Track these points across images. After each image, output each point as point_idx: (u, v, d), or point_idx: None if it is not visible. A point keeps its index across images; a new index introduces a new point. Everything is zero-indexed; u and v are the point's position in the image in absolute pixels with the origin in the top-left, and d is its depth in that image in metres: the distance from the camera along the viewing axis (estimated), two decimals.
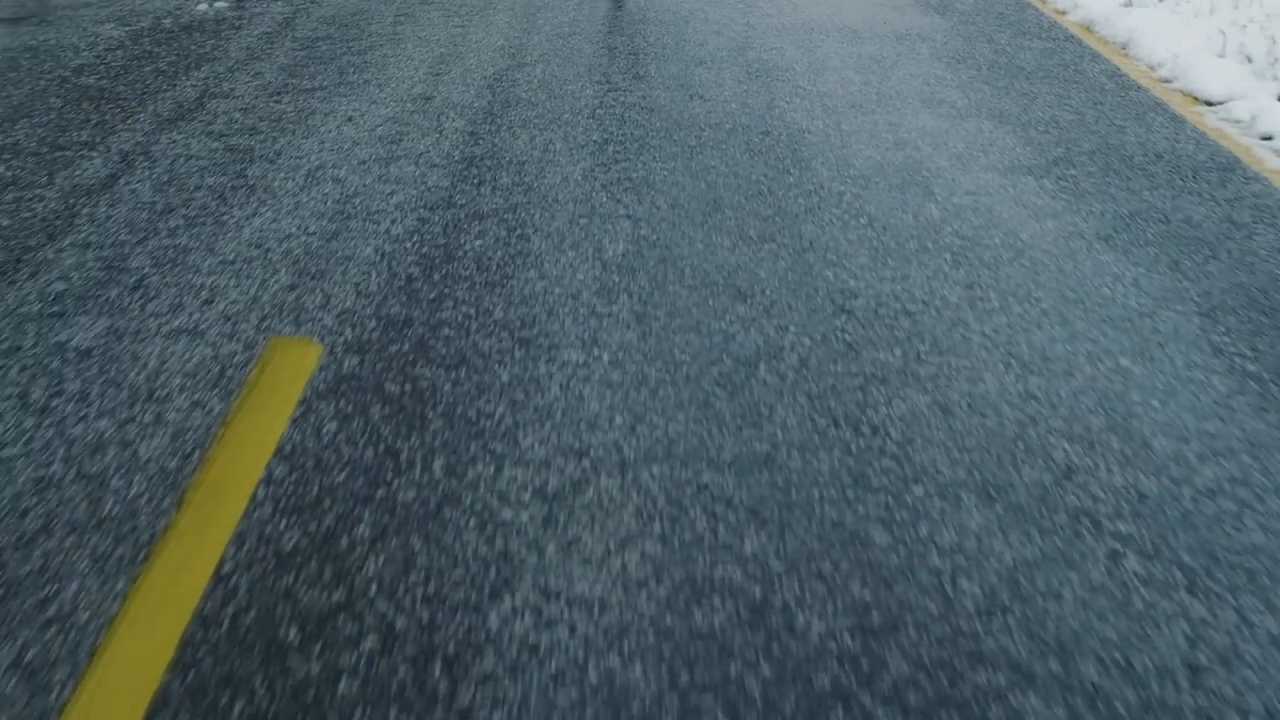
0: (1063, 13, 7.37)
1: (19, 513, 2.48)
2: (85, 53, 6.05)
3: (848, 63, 6.11)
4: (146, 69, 5.75)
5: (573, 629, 2.18)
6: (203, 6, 6.95)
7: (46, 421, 2.80)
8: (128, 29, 6.58)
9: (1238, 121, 5.22)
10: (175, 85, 5.49)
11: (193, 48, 6.15)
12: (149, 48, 6.17)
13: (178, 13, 6.94)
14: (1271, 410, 2.98)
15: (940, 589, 2.31)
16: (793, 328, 3.32)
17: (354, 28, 6.70)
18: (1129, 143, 4.97)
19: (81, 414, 2.83)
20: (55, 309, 3.35)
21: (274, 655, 2.10)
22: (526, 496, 2.55)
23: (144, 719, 1.97)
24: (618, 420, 2.84)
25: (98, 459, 2.66)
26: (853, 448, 2.75)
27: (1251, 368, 3.18)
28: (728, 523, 2.48)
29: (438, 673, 2.07)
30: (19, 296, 3.42)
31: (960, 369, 3.12)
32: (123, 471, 2.62)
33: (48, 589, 2.26)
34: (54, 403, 2.88)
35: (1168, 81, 5.82)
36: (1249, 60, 5.82)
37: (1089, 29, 6.87)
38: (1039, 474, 2.68)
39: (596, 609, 2.23)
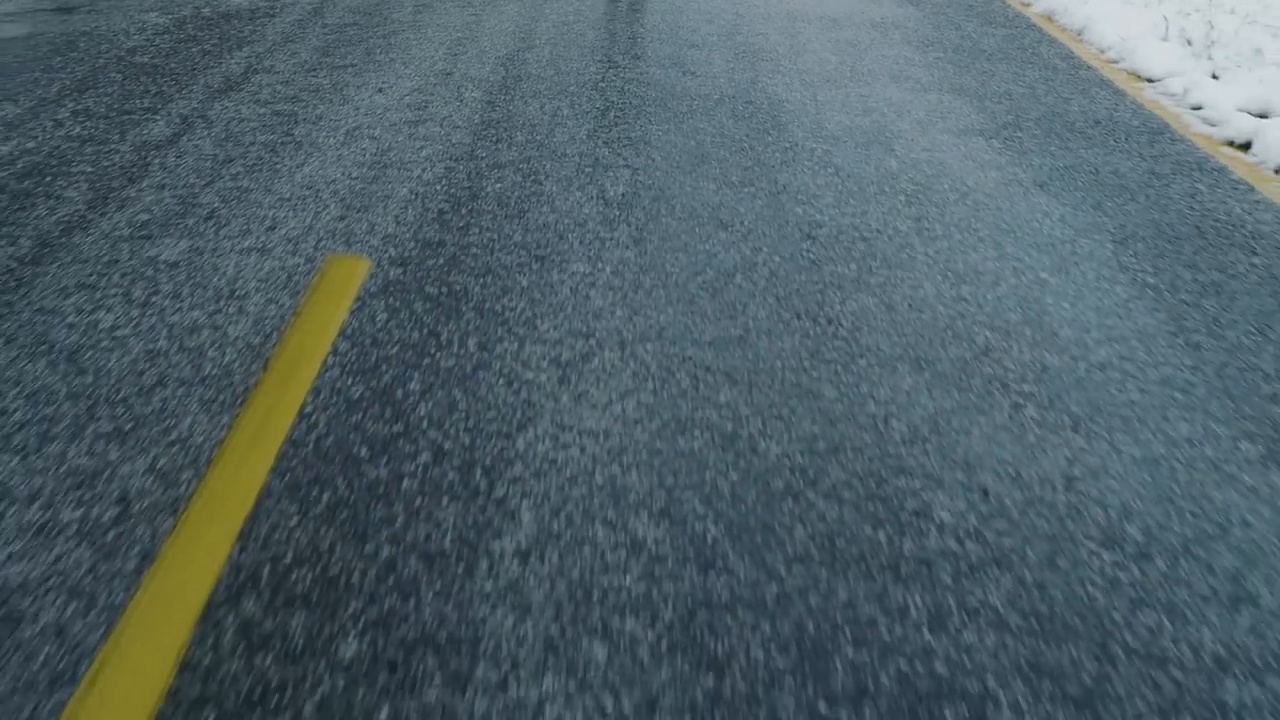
0: (1027, 4, 8.00)
1: (138, 373, 3.10)
2: (135, 36, 6.68)
3: (826, 46, 6.75)
4: (193, 50, 6.39)
5: (582, 449, 2.80)
6: None
7: (149, 312, 3.43)
8: (170, 17, 7.21)
9: (1172, 95, 5.84)
10: (221, 63, 6.12)
11: (232, 32, 6.79)
12: (192, 32, 6.80)
13: (215, 2, 7.57)
14: (1162, 310, 3.60)
15: (874, 426, 2.93)
16: (765, 249, 3.95)
17: (377, 15, 7.34)
18: (1072, 111, 5.60)
19: (177, 307, 3.46)
20: (143, 233, 3.97)
21: (350, 464, 2.73)
22: (544, 364, 3.17)
23: (253, 506, 2.59)
24: (618, 313, 3.46)
25: (195, 337, 3.29)
26: (810, 333, 3.38)
27: (1151, 280, 3.81)
28: (706, 382, 3.10)
29: (478, 476, 2.69)
30: (111, 224, 4.05)
31: (904, 279, 3.74)
32: (216, 346, 3.24)
33: (168, 422, 2.89)
34: (153, 299, 3.51)
35: (1115, 62, 6.44)
36: (1189, 43, 6.45)
37: (1050, 18, 7.50)
38: (962, 352, 3.30)
39: (601, 437, 2.85)
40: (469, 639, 2.18)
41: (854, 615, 2.27)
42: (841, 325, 3.41)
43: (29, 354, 3.17)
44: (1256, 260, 3.96)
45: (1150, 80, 6.07)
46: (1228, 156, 5.04)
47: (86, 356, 3.16)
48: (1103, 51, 6.61)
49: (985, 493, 2.66)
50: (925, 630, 2.24)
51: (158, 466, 2.70)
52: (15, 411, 2.90)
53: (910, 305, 3.55)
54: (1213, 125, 5.40)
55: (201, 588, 2.30)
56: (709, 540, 2.48)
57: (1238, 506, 2.65)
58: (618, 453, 2.77)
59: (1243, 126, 5.22)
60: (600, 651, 2.16)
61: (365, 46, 6.50)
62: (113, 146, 4.79)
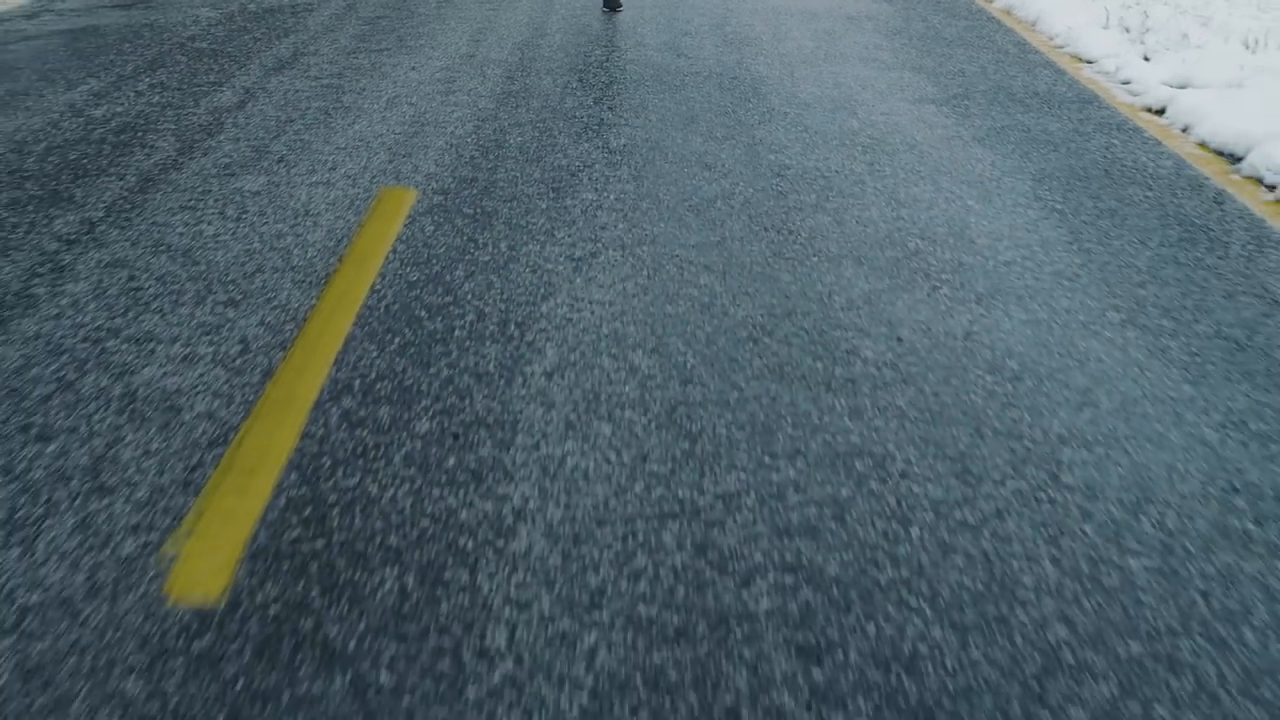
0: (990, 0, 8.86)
1: (240, 264, 3.94)
2: (191, 27, 7.54)
3: (805, 34, 7.60)
4: (245, 38, 7.24)
5: (592, 312, 3.64)
6: None
7: (242, 225, 4.27)
8: (220, 11, 8.07)
9: (1106, 73, 6.69)
10: (271, 48, 6.98)
11: (277, 24, 7.65)
12: (242, 24, 7.66)
13: (229, 13, 8.43)
14: (1064, 227, 4.44)
15: (820, 299, 3.77)
16: (741, 184, 4.79)
17: (405, 9, 8.20)
18: (1016, 86, 6.45)
19: (264, 223, 4.30)
20: (228, 172, 4.82)
21: (413, 321, 3.56)
22: (561, 259, 4.01)
23: (342, 345, 3.43)
24: (620, 226, 4.31)
25: (281, 241, 4.13)
26: (774, 240, 4.22)
27: (1059, 207, 4.64)
28: (689, 271, 3.94)
29: (512, 328, 3.53)
30: (199, 166, 4.89)
31: (854, 205, 4.59)
32: (300, 247, 4.08)
33: (269, 295, 3.72)
34: (244, 216, 4.35)
35: (1061, 48, 7.29)
36: (1126, 30, 7.30)
37: (1009, 12, 8.36)
38: (895, 253, 4.14)
39: (606, 305, 3.68)
40: (510, 422, 3.01)
41: (794, 410, 3.10)
42: (800, 235, 4.25)
43: (152, 252, 4.01)
44: (1150, 194, 4.80)
45: (1089, 62, 6.92)
46: (1145, 120, 5.88)
47: (198, 253, 4.01)
48: (1052, 39, 7.46)
49: (900, 340, 3.50)
50: (846, 418, 3.07)
51: (266, 321, 3.54)
52: (149, 288, 3.74)
53: (857, 222, 4.39)
54: (1136, 96, 6.24)
55: (311, 391, 3.14)
56: (688, 366, 3.31)
57: (1096, 351, 3.48)
58: (619, 314, 3.61)
59: (1160, 95, 6.07)
60: (606, 429, 3.00)
61: (397, 35, 7.36)
62: (189, 110, 5.65)
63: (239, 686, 2.13)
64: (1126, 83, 6.45)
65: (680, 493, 2.73)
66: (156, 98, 5.86)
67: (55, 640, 2.23)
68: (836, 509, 2.68)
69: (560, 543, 2.53)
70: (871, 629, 2.31)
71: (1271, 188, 4.87)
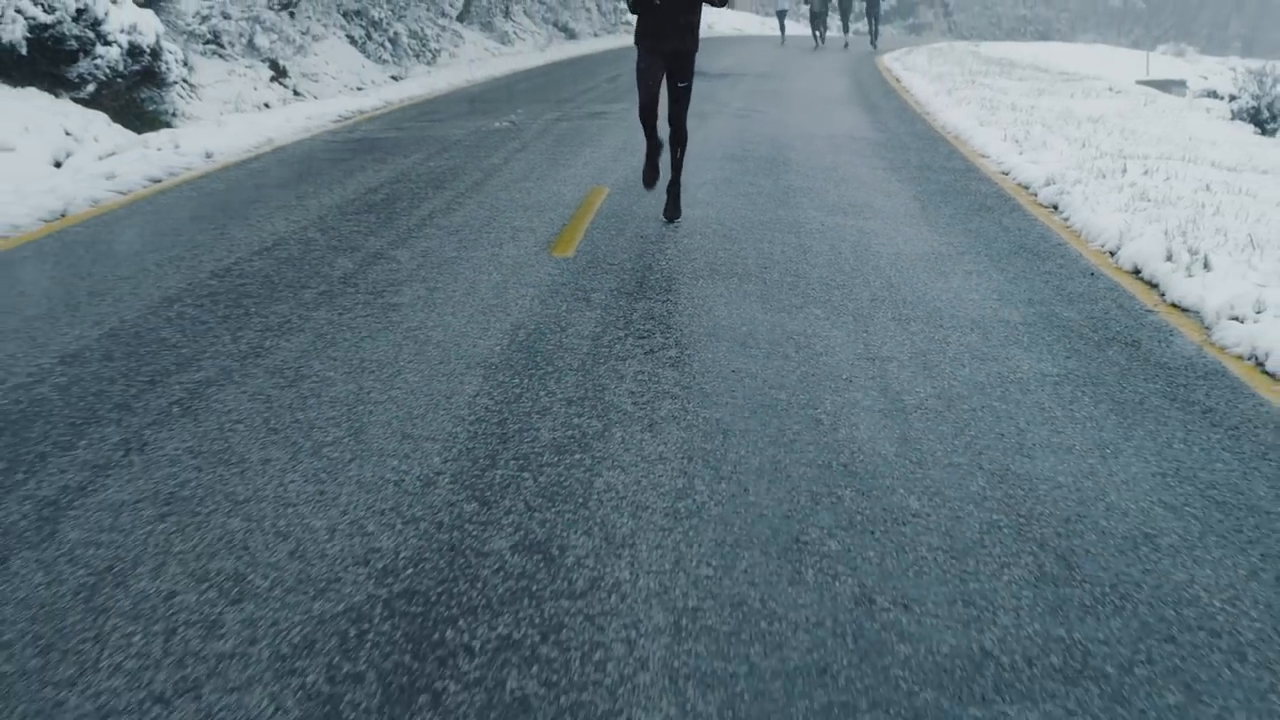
0: (943, 128, 13.93)
1: (539, 203, 9.01)
2: (455, 141, 12.86)
3: (821, 145, 12.69)
4: (490, 143, 12.52)
5: (699, 202, 8.63)
6: (499, 124, 13.82)
7: (533, 196, 9.36)
8: (465, 131, 13.41)
9: (994, 162, 11.66)
10: (508, 144, 12.23)
11: (503, 139, 12.91)
12: (483, 138, 12.95)
13: (486, 128, 13.77)
14: (917, 204, 9.34)
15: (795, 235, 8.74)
16: (765, 181, 9.81)
17: (580, 132, 13.46)
18: (935, 164, 11.45)
19: (518, 207, 9.37)
20: (514, 185, 9.95)
21: (612, 216, 8.58)
22: (695, 189, 9.02)
23: (591, 218, 8.44)
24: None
25: (553, 198, 9.20)
26: (778, 185, 9.21)
27: (922, 199, 9.56)
28: (748, 189, 8.93)
29: (660, 224, 8.52)
30: (493, 184, 10.03)
31: (821, 196, 9.56)
32: (552, 207, 9.15)
33: (556, 208, 8.77)
34: (530, 194, 9.46)
35: (980, 154, 12.30)
36: (1016, 141, 12.29)
37: (958, 137, 13.42)
38: (848, 214, 9.11)
39: (704, 194, 8.67)
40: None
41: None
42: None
43: (499, 204, 9.11)
44: (978, 197, 9.70)
45: (985, 157, 11.91)
46: (999, 178, 10.81)
47: (521, 201, 9.08)
48: (975, 148, 12.48)
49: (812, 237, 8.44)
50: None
51: (559, 211, 8.58)
52: (505, 211, 8.83)
53: (812, 188, 9.36)
54: (1006, 173, 11.19)
55: (586, 220, 8.15)
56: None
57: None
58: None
59: (1013, 165, 11.02)
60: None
61: (578, 141, 12.59)
62: (474, 168, 10.82)
63: (576, 284, 7.07)
64: (1002, 167, 11.42)
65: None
66: (452, 162, 11.07)
67: (505, 268, 7.19)
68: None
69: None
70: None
71: (1025, 186, 9.78)
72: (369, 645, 2.94)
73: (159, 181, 9.99)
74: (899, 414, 4.63)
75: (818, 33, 32.77)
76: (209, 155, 11.32)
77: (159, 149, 11.47)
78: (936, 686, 2.83)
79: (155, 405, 4.55)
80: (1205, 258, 6.65)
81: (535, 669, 2.84)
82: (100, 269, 6.76)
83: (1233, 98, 17.66)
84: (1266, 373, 5.30)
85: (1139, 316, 6.18)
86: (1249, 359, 5.46)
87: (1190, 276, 6.50)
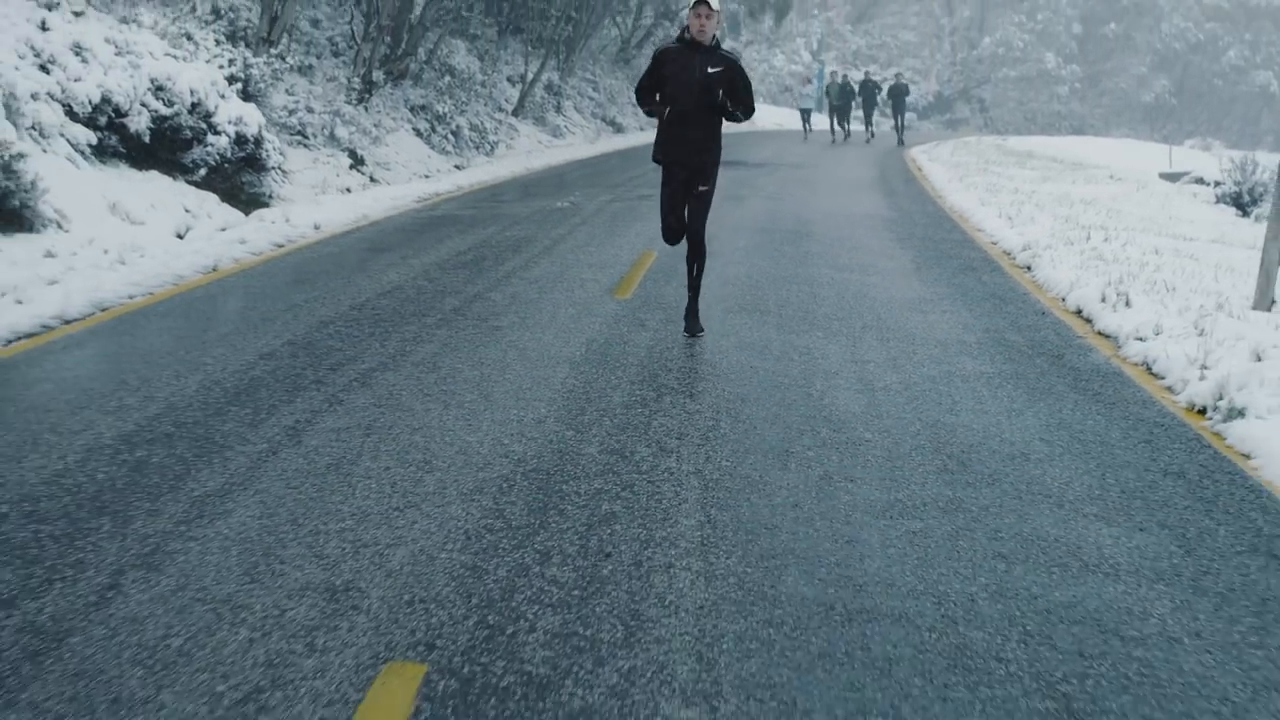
0: (951, 209, 15.90)
1: (601, 260, 11.04)
2: (523, 217, 14.97)
3: (840, 221, 14.68)
4: (554, 218, 14.61)
5: (732, 261, 10.62)
6: (560, 204, 15.95)
7: (572, 268, 11.39)
8: (531, 210, 15.53)
9: (988, 235, 13.60)
10: (569, 221, 14.31)
11: (565, 216, 14.99)
12: (548, 215, 15.04)
13: (549, 207, 15.88)
14: (915, 264, 11.31)
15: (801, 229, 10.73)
16: (788, 247, 11.81)
17: (632, 210, 15.53)
18: (937, 237, 13.42)
19: (583, 264, 11.41)
20: (580, 248, 12.00)
21: (662, 270, 10.58)
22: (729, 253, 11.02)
23: (645, 272, 10.44)
24: (766, 207, 11.33)
25: (592, 269, 11.23)
26: (798, 234, 11.20)
27: (919, 261, 11.53)
28: (774, 253, 10.93)
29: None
30: (564, 249, 12.09)
31: (836, 249, 11.55)
32: (614, 263, 11.17)
33: (615, 265, 10.80)
34: (593, 255, 11.49)
35: (978, 229, 14.26)
36: (1009, 219, 14.25)
37: (962, 216, 15.40)
38: (845, 264, 11.09)
39: (736, 256, 10.66)
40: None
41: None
42: (810, 236, 11.22)
43: (566, 260, 11.15)
44: (966, 261, 11.65)
45: (981, 231, 13.87)
46: (988, 246, 12.74)
47: (587, 259, 11.13)
48: (974, 224, 14.44)
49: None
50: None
51: (616, 269, 10.60)
52: (574, 268, 10.86)
53: (827, 253, 11.35)
54: (995, 242, 13.13)
55: (641, 273, 10.15)
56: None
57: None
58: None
59: (1002, 236, 12.96)
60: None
61: (630, 216, 14.67)
62: (543, 237, 12.89)
63: (633, 316, 9.04)
64: (992, 238, 13.37)
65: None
66: (524, 232, 13.14)
67: (578, 305, 9.17)
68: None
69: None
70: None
71: (1008, 252, 11.72)
72: (515, 490, 4.85)
73: (282, 246, 12.07)
74: (869, 391, 6.52)
75: (841, 126, 33.47)
76: (317, 226, 13.43)
77: (273, 222, 13.58)
78: (865, 512, 4.70)
79: (339, 381, 6.52)
80: (1127, 297, 8.52)
81: (618, 503, 4.73)
82: (261, 305, 8.78)
83: (1218, 184, 19.53)
84: (1153, 373, 7.15)
85: (1069, 340, 8.06)
86: (1142, 365, 7.32)
87: (1115, 311, 8.37)
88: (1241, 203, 18.15)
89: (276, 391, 6.24)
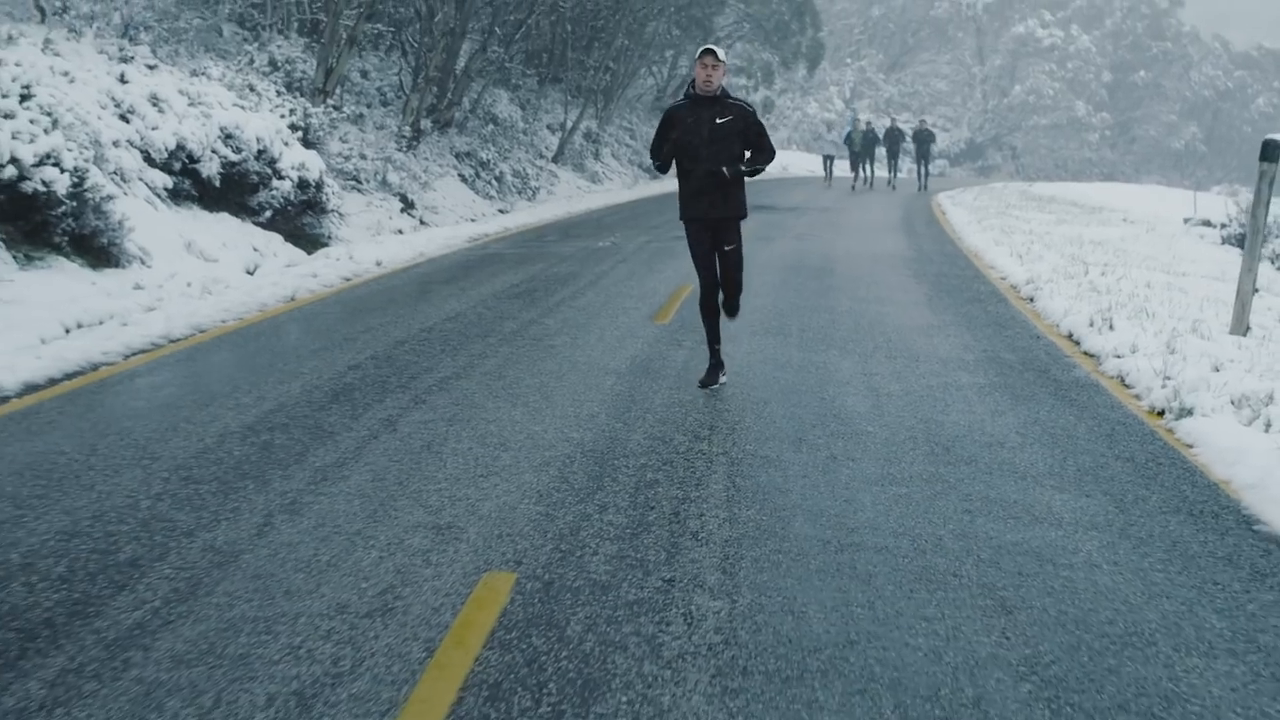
0: (971, 251, 16.98)
1: (640, 292, 12.20)
2: (568, 255, 16.17)
3: (862, 259, 15.79)
4: (596, 257, 15.80)
5: (759, 294, 11.77)
6: (601, 244, 17.15)
7: (615, 298, 12.55)
8: (575, 249, 16.73)
9: (998, 272, 14.70)
10: (611, 258, 15.49)
11: (607, 254, 16.17)
12: (590, 254, 16.24)
13: (591, 247, 17.07)
14: (929, 295, 12.40)
15: (824, 265, 11.85)
16: (812, 282, 12.94)
17: (669, 249, 16.68)
18: (950, 273, 14.52)
19: (625, 295, 12.57)
20: (622, 281, 13.16)
21: (691, 301, 11.74)
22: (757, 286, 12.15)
23: (681, 302, 11.59)
24: (794, 247, 12.46)
25: (633, 299, 12.39)
26: (823, 270, 12.32)
27: (932, 292, 12.63)
28: (799, 286, 12.06)
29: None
30: (608, 282, 13.25)
31: (857, 281, 12.68)
32: (654, 293, 12.33)
33: (653, 297, 11.95)
34: (612, 292, 12.65)
35: (990, 267, 15.34)
36: (1019, 257, 15.33)
37: (976, 254, 16.48)
38: (862, 289, 12.21)
39: (764, 289, 11.80)
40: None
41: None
42: (832, 273, 12.34)
43: (611, 293, 12.32)
44: (975, 293, 12.74)
45: (992, 268, 14.95)
46: (997, 281, 13.82)
47: (628, 289, 12.29)
48: (987, 262, 15.52)
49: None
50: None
51: (654, 300, 11.76)
52: (619, 298, 12.02)
53: (847, 286, 12.47)
54: (1003, 278, 14.21)
55: (677, 304, 11.29)
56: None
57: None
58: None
59: (1010, 272, 14.04)
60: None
61: (667, 255, 15.82)
62: (589, 270, 14.08)
63: (671, 337, 10.18)
64: (1002, 274, 14.45)
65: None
66: (570, 269, 14.33)
67: (622, 328, 10.33)
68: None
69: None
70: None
71: (1014, 286, 12.80)
72: (575, 464, 5.97)
73: (349, 280, 13.29)
74: (874, 396, 7.62)
75: (862, 172, 33.77)
76: (379, 263, 14.67)
77: (339, 259, 14.82)
78: (862, 481, 5.79)
79: (420, 386, 7.67)
80: (1111, 322, 9.58)
81: (660, 473, 5.82)
82: (341, 328, 9.97)
83: (1223, 225, 20.52)
84: (1125, 384, 8.20)
85: (1057, 358, 9.12)
86: (1116, 377, 8.37)
87: (1100, 334, 9.42)
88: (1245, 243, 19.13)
89: (368, 394, 7.39)
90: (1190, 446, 6.57)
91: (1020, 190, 34.27)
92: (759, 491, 5.57)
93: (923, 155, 33.55)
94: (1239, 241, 19.13)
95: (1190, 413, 6.92)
